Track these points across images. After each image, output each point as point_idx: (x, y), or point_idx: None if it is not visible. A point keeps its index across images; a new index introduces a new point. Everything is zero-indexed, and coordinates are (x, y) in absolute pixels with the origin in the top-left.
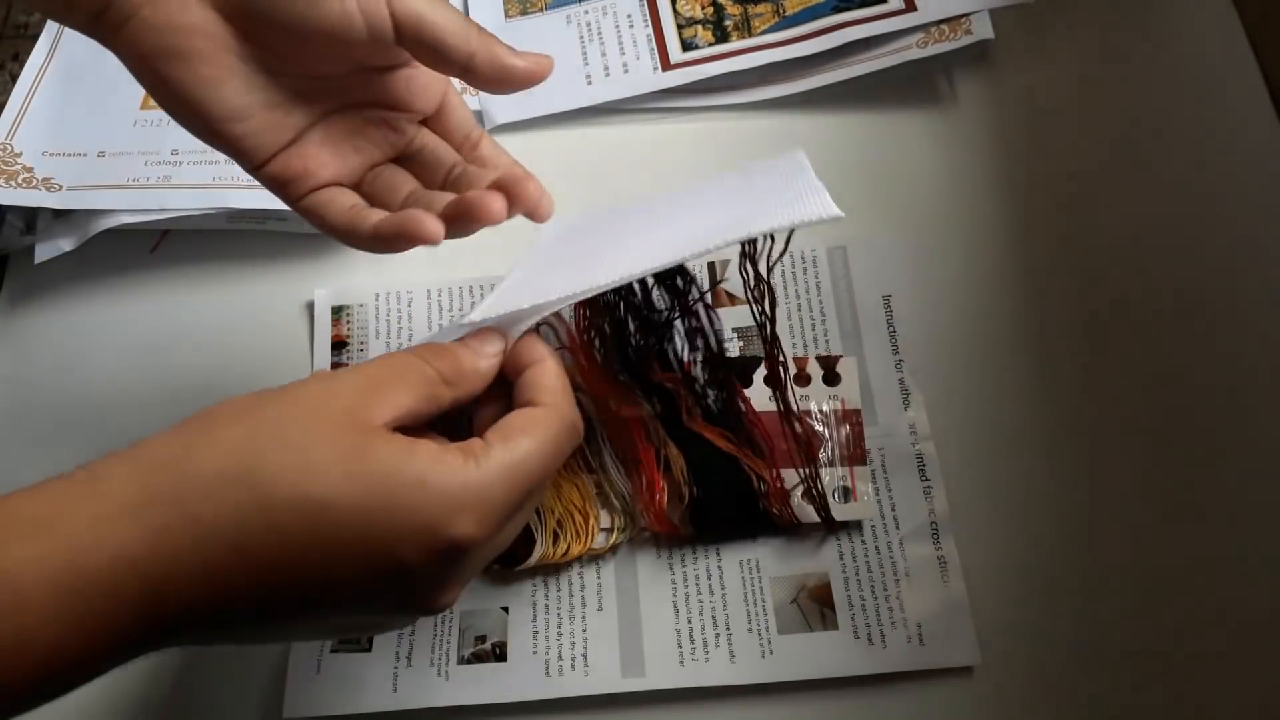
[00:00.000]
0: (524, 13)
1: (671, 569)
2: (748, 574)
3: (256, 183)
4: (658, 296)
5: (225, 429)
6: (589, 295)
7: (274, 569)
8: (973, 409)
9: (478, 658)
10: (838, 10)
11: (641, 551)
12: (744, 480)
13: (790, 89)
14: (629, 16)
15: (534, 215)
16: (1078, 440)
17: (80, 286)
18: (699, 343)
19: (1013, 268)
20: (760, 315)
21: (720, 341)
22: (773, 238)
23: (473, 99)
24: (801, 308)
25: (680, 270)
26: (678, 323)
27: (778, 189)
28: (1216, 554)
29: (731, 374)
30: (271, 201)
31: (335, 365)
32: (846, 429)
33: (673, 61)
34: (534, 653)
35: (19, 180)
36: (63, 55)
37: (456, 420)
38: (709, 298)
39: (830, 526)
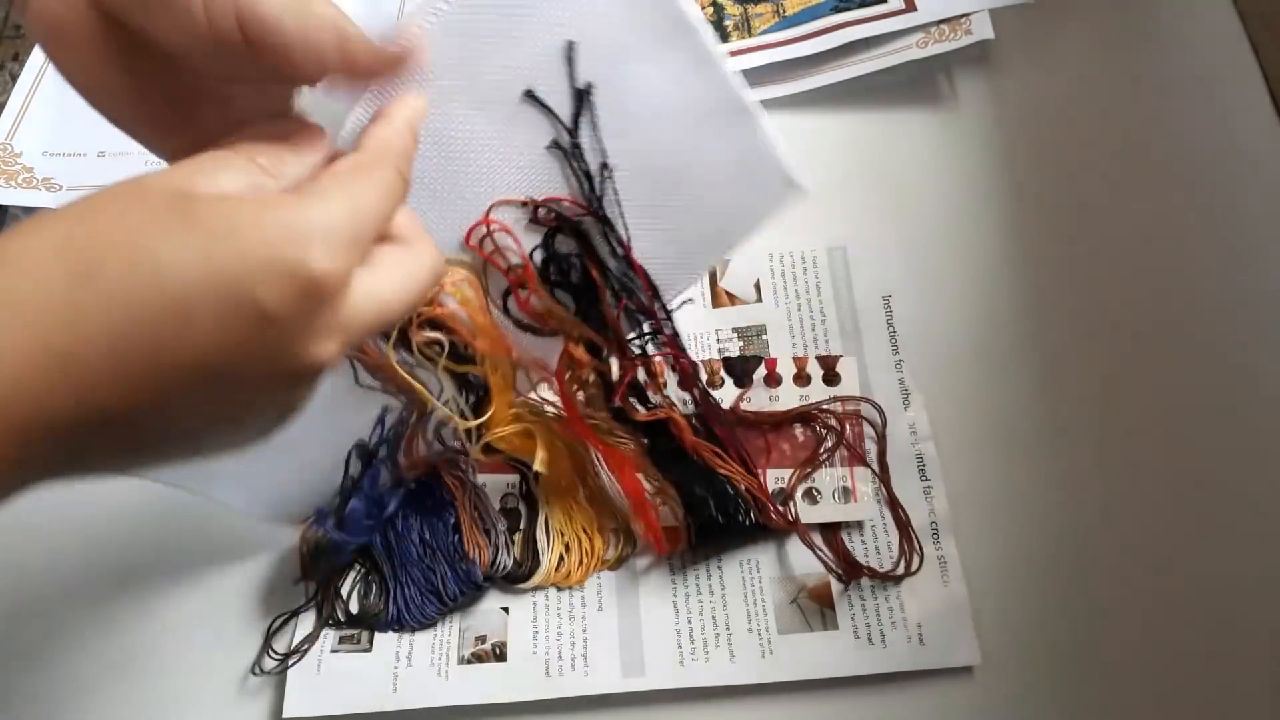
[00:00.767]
0: None
1: (671, 569)
2: (748, 574)
3: None
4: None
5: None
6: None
7: (134, 353)
8: (973, 409)
9: (478, 658)
10: (838, 10)
11: (641, 552)
12: (736, 495)
13: (790, 89)
14: None
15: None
16: (1078, 440)
17: None
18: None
19: (1013, 267)
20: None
21: (696, 379)
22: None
23: None
24: (801, 308)
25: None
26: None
27: (737, 178)
28: (1217, 554)
29: (707, 394)
30: None
31: None
32: (849, 430)
33: None
34: (534, 653)
35: (19, 180)
36: None
37: None
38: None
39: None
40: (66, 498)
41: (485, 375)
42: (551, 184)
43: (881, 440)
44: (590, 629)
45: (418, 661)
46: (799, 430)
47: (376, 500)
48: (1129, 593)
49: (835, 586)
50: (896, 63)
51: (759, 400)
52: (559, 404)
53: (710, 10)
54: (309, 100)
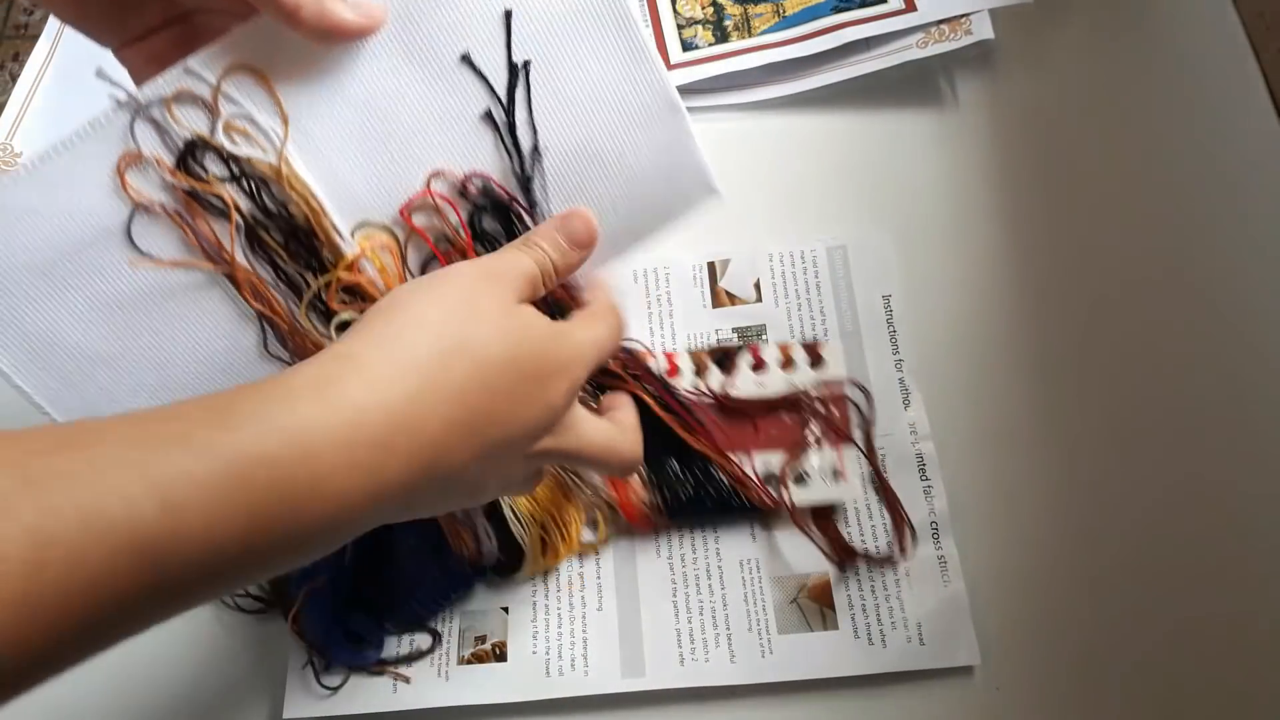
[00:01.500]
0: None
1: (671, 569)
2: (748, 574)
3: None
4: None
5: (429, 314)
6: None
7: (485, 414)
8: (973, 409)
9: (478, 658)
10: (838, 10)
11: (641, 552)
12: (712, 472)
13: (790, 89)
14: None
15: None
16: (1078, 440)
17: None
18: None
19: (1013, 267)
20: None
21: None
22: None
23: None
24: (801, 307)
25: None
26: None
27: (657, 166)
28: (1217, 553)
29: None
30: None
31: None
32: (835, 412)
33: (673, 61)
34: (534, 653)
35: None
36: (63, 55)
37: None
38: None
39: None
40: None
41: None
42: (480, 156)
43: (868, 422)
44: (590, 629)
45: (418, 661)
46: (787, 416)
47: None
48: (1129, 592)
49: (833, 575)
50: (896, 63)
51: (746, 388)
52: None
53: (710, 10)
54: None
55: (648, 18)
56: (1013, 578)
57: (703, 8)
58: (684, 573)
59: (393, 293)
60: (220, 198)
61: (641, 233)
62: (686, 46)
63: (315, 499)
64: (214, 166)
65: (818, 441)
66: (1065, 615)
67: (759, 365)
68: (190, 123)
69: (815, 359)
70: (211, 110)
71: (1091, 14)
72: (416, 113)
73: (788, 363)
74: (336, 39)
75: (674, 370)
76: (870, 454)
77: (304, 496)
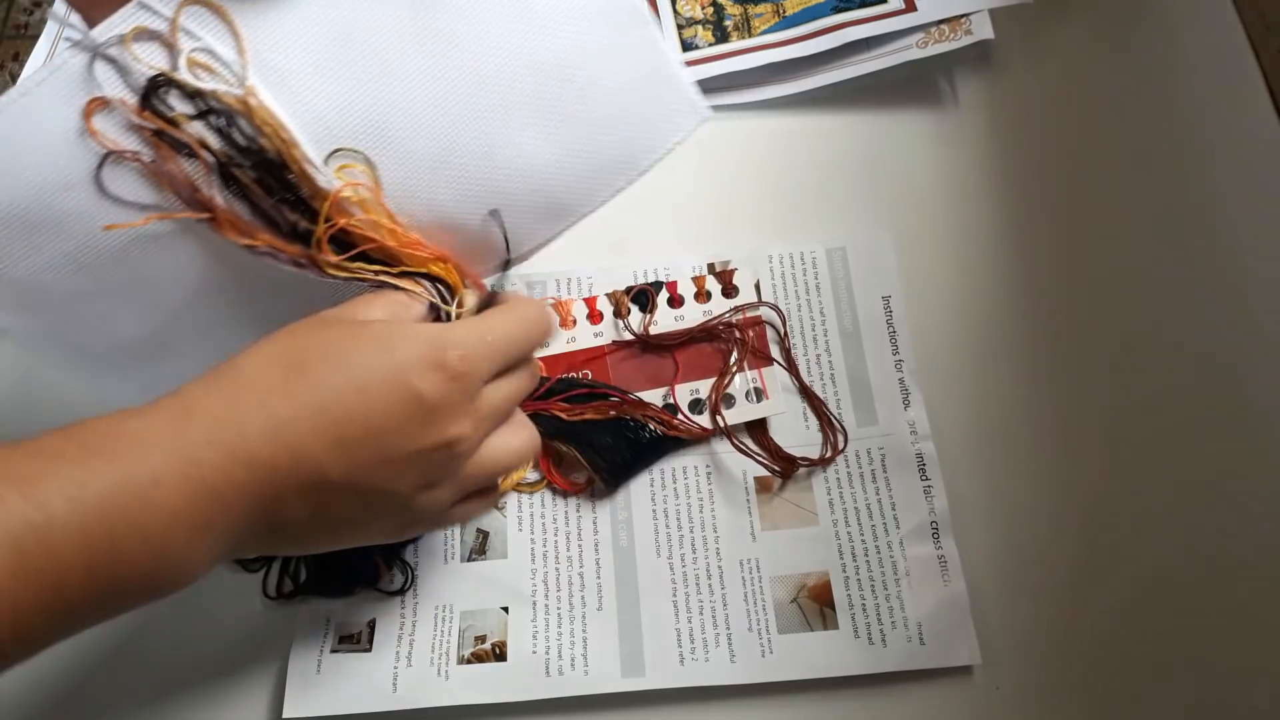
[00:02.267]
0: None
1: (671, 569)
2: (748, 574)
3: None
4: None
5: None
6: None
7: (329, 417)
8: (973, 409)
9: (478, 658)
10: (837, 10)
11: (641, 551)
12: (627, 427)
13: (790, 89)
14: None
15: None
16: (1078, 440)
17: None
18: None
19: (1012, 267)
20: None
21: None
22: None
23: None
24: (801, 308)
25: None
26: None
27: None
28: (1217, 553)
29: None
30: None
31: None
32: (751, 335)
33: None
34: (534, 652)
35: None
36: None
37: None
38: None
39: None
40: None
41: (440, 274)
42: (448, 71)
43: (784, 339)
44: (590, 629)
45: (418, 661)
46: (708, 346)
47: None
48: (1129, 592)
49: (836, 586)
50: (896, 63)
51: (666, 323)
52: None
53: (710, 10)
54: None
55: None
56: (1013, 578)
57: (703, 8)
58: (684, 572)
59: None
60: (189, 138)
61: (636, 160)
62: (686, 46)
63: (151, 557)
64: (179, 105)
65: (739, 365)
66: (1065, 615)
67: (676, 301)
68: (151, 59)
69: (729, 287)
70: (171, 46)
71: (1091, 14)
72: (378, 29)
73: (702, 295)
74: None
75: (596, 315)
76: (791, 368)
77: (147, 554)
